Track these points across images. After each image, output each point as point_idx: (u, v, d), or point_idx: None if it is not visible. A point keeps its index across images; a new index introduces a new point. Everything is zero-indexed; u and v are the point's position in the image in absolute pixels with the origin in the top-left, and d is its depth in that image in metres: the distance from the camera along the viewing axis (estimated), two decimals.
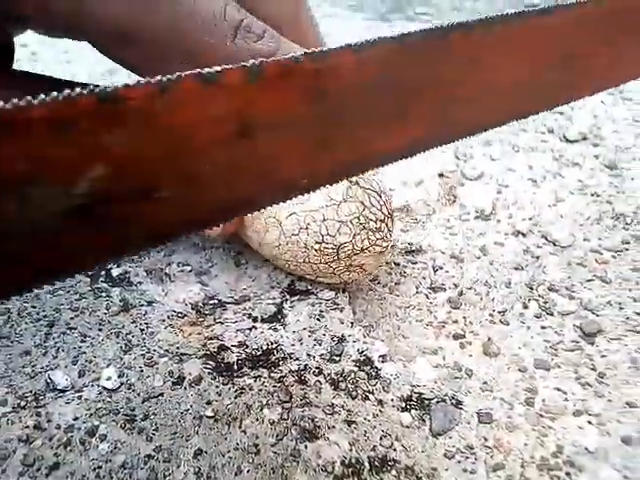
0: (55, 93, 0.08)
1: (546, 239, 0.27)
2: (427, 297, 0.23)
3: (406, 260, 0.25)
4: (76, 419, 0.17)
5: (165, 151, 0.10)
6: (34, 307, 0.22)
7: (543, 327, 0.22)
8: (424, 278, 0.24)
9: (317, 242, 0.20)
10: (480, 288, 0.24)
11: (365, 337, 0.21)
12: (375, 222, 0.20)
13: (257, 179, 0.12)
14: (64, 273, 0.10)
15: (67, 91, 0.08)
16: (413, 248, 0.26)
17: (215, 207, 0.12)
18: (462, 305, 0.23)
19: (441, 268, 0.25)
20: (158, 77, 0.09)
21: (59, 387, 0.18)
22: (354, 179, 0.21)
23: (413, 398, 0.19)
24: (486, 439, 0.18)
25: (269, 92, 0.11)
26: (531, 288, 0.24)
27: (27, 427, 0.17)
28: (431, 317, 0.22)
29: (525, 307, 0.23)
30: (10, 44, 0.17)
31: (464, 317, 0.22)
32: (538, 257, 0.26)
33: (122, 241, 0.11)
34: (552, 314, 0.23)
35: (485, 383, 0.20)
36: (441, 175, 0.33)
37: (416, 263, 0.25)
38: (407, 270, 0.25)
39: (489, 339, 0.21)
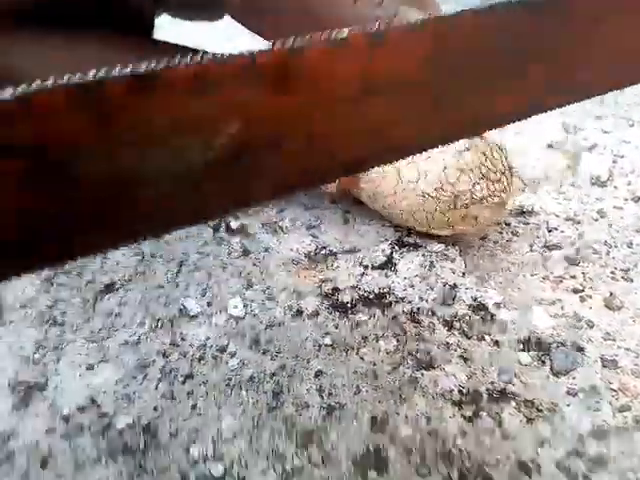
0: (202, 55, 0.09)
1: None
2: (542, 254, 0.23)
3: (517, 221, 0.25)
4: (208, 339, 0.19)
5: (295, 108, 0.11)
6: (164, 251, 0.24)
7: None
8: (538, 237, 0.24)
9: (435, 189, 0.20)
10: (600, 247, 0.23)
11: (478, 286, 0.21)
12: (495, 173, 0.20)
13: (374, 137, 0.12)
14: (202, 218, 0.11)
15: (212, 53, 0.09)
16: (524, 210, 0.26)
17: (336, 162, 0.12)
18: (581, 262, 0.22)
19: (556, 229, 0.24)
20: (289, 41, 0.10)
21: (191, 313, 0.20)
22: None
23: (532, 341, 0.18)
24: (611, 382, 0.17)
25: (390, 55, 0.11)
26: None
27: (164, 344, 0.19)
28: (547, 272, 0.22)
29: None
30: (152, 17, 0.19)
31: (583, 273, 0.22)
32: None
33: (254, 190, 0.11)
34: None
35: (608, 334, 0.19)
36: (550, 146, 0.32)
37: (528, 224, 0.25)
38: (519, 230, 0.24)
39: (611, 294, 0.21)
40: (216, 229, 0.25)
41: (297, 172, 0.12)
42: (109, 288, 0.22)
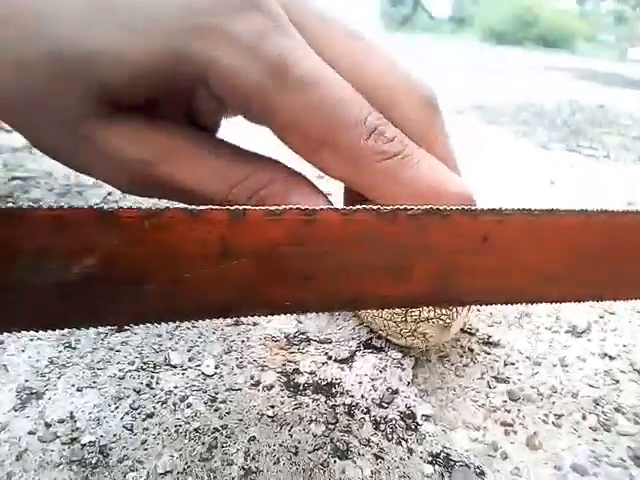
0: (64, 204, 0.12)
1: (633, 367, 0.27)
2: (488, 384, 0.25)
3: (481, 349, 0.28)
4: (176, 387, 0.23)
5: (153, 258, 0.12)
6: None
7: (595, 439, 0.23)
8: (492, 368, 0.26)
9: None
10: (545, 390, 0.25)
11: (416, 397, 0.24)
12: None
13: (240, 293, 0.13)
14: (62, 326, 0.13)
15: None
16: (491, 341, 0.28)
17: (199, 307, 0.13)
18: (520, 400, 0.24)
19: (512, 364, 0.27)
20: (150, 207, 0.12)
21: (172, 363, 0.24)
22: None
23: (441, 456, 0.21)
24: None
25: (251, 231, 0.13)
26: (597, 404, 0.25)
27: (141, 383, 0.23)
28: (486, 401, 0.24)
29: (583, 418, 0.24)
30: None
31: (518, 409, 0.24)
32: (617, 381, 0.26)
33: (111, 314, 0.13)
34: (609, 431, 0.23)
35: (517, 468, 0.21)
36: None
37: (489, 354, 0.27)
38: (479, 358, 0.27)
39: (535, 433, 0.23)
40: None
41: (155, 307, 0.13)
42: (121, 327, 0.26)
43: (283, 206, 0.13)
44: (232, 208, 0.13)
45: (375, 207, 0.14)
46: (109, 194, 0.41)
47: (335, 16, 0.23)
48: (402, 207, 0.14)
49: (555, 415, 0.24)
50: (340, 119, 0.20)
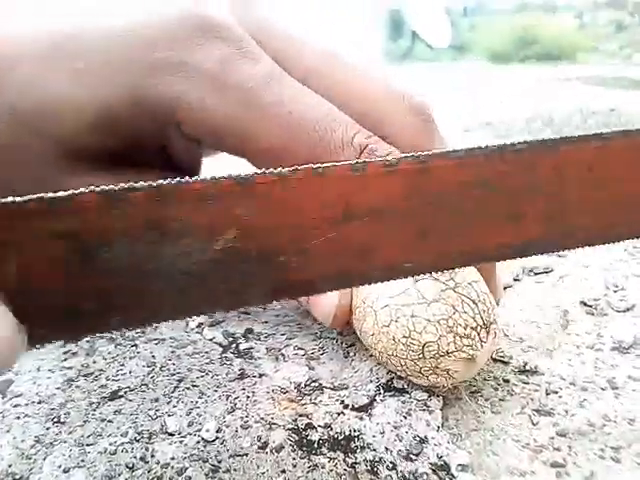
0: (205, 176, 0.12)
1: None
2: (530, 419, 0.22)
3: (517, 379, 0.25)
4: (173, 459, 0.20)
5: (285, 225, 0.13)
6: (174, 364, 0.26)
7: None
8: (532, 400, 0.23)
9: (404, 336, 0.21)
10: (596, 420, 0.22)
11: (449, 444, 0.20)
12: (465, 328, 0.21)
13: (360, 257, 0.14)
14: (201, 312, 0.13)
15: (214, 174, 0.12)
16: (528, 368, 0.25)
17: (324, 277, 0.14)
18: (569, 434, 0.21)
19: (555, 393, 0.24)
20: (279, 169, 0.12)
21: (169, 430, 0.21)
22: (453, 283, 0.21)
23: None
24: None
25: (370, 186, 0.13)
26: None
27: (135, 457, 0.20)
28: (530, 439, 0.21)
29: None
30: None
31: (569, 446, 0.21)
32: None
33: (248, 293, 0.13)
34: None
35: None
36: (583, 303, 0.31)
37: (528, 384, 0.24)
38: (516, 389, 0.24)
39: (592, 473, 0.19)
40: (225, 349, 0.27)
41: (289, 281, 0.13)
42: (114, 394, 0.24)
43: (396, 155, 0.13)
44: (352, 162, 0.13)
45: (482, 146, 0.14)
46: None
47: (308, 35, 0.21)
48: (508, 143, 0.14)
49: (612, 448, 0.20)
50: (325, 141, 0.18)
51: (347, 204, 0.13)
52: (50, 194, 0.11)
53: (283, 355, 0.26)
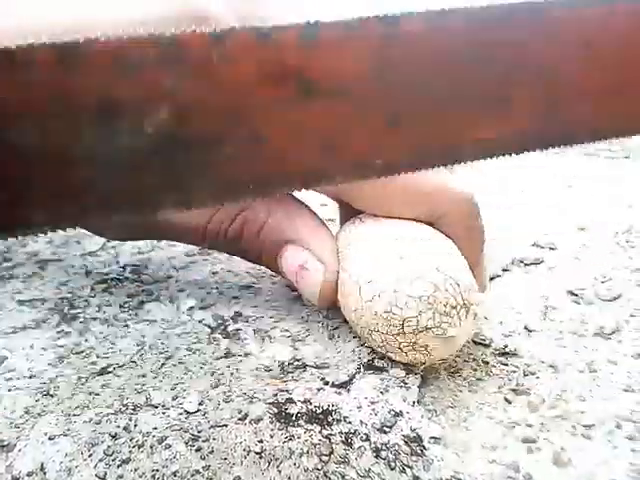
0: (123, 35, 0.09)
1: None
2: (506, 398, 0.22)
3: (497, 361, 0.25)
4: (155, 428, 0.21)
5: (226, 104, 0.10)
6: (163, 343, 0.27)
7: (633, 450, 0.19)
8: (510, 380, 0.24)
9: (386, 311, 0.21)
10: (570, 399, 0.22)
11: (423, 418, 0.21)
12: (445, 306, 0.21)
13: (323, 149, 0.11)
14: (137, 210, 0.11)
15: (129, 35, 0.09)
16: (508, 351, 0.25)
17: (282, 172, 0.11)
18: (543, 412, 0.22)
19: (533, 374, 0.24)
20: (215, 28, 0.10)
21: (152, 403, 0.22)
22: (435, 264, 0.22)
23: None
24: None
25: (327, 56, 0.11)
26: (633, 410, 0.21)
27: (118, 427, 0.21)
28: (504, 416, 0.21)
29: (618, 427, 0.21)
30: None
31: (541, 423, 0.21)
32: None
33: (194, 189, 0.11)
34: None
35: None
36: (570, 292, 0.31)
37: (506, 365, 0.25)
38: (494, 370, 0.24)
39: (562, 448, 0.20)
40: (214, 330, 0.28)
41: (237, 177, 0.11)
42: (103, 370, 0.25)
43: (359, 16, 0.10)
44: (302, 23, 0.10)
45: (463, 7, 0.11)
46: (108, 241, 0.41)
47: None
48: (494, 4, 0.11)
49: (584, 426, 0.21)
50: None
51: (298, 80, 0.10)
52: None
53: (269, 336, 0.27)
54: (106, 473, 0.19)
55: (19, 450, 0.20)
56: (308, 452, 0.19)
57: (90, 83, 0.09)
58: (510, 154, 0.13)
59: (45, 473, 0.19)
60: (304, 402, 0.22)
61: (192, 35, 0.10)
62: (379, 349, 0.23)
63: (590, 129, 0.13)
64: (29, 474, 0.19)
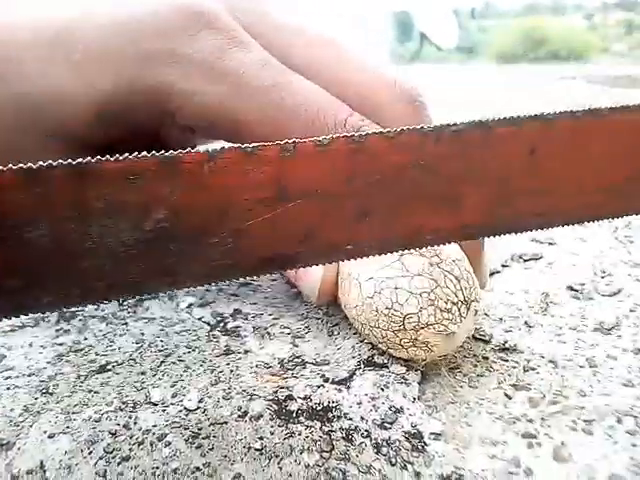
0: (127, 154, 0.11)
1: None
2: (506, 393, 0.22)
3: (497, 357, 0.25)
4: (155, 426, 0.21)
5: (213, 205, 0.12)
6: (162, 341, 0.27)
7: (634, 445, 0.19)
8: (510, 375, 0.24)
9: (387, 307, 0.21)
10: (571, 395, 0.22)
11: (423, 414, 0.21)
12: (446, 302, 0.21)
13: (298, 239, 0.13)
14: (139, 292, 0.13)
15: (135, 153, 0.11)
16: (508, 346, 0.25)
17: (261, 259, 0.13)
18: (544, 407, 0.22)
19: (533, 369, 0.24)
20: (207, 147, 0.12)
21: (152, 400, 0.22)
22: (437, 259, 0.22)
23: (453, 478, 0.18)
24: None
25: (303, 166, 0.13)
26: (634, 405, 0.21)
27: (118, 425, 0.21)
28: (504, 412, 0.21)
29: (618, 421, 0.21)
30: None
31: (542, 418, 0.21)
32: None
33: (179, 273, 0.13)
34: None
35: None
36: (570, 288, 0.31)
37: (507, 361, 0.25)
38: (495, 366, 0.24)
39: (563, 443, 0.20)
40: (213, 328, 0.28)
41: (222, 264, 0.13)
42: (102, 368, 0.25)
43: (329, 135, 0.13)
44: (282, 142, 0.12)
45: (418, 127, 0.13)
46: None
47: (303, 24, 0.22)
48: (445, 124, 0.13)
49: (585, 421, 0.21)
50: (317, 125, 0.19)
51: (279, 185, 0.13)
52: None
53: (269, 334, 0.27)
54: (106, 471, 0.19)
55: (18, 448, 0.20)
56: (309, 449, 0.19)
57: (101, 192, 0.11)
58: (460, 241, 0.16)
59: (45, 471, 0.19)
60: (304, 399, 0.22)
61: (188, 154, 0.12)
62: (380, 345, 0.23)
63: (525, 222, 0.16)
64: (29, 472, 0.19)
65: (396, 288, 0.21)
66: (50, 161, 0.11)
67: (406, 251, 0.22)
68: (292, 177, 0.13)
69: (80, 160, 0.11)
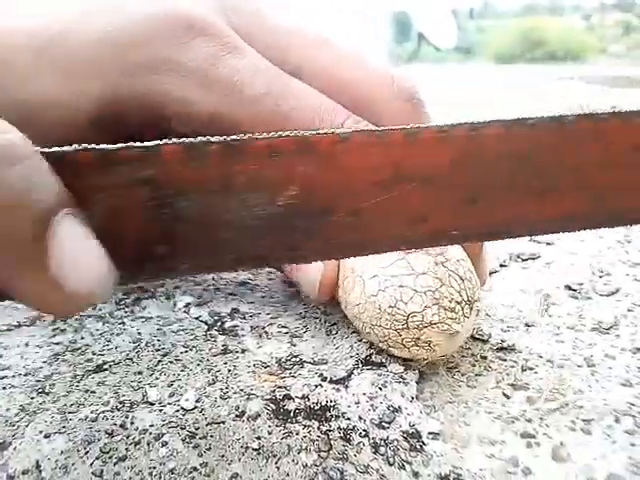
0: (273, 133, 0.12)
1: None
2: (505, 393, 0.22)
3: (495, 356, 0.25)
4: (151, 426, 0.20)
5: (338, 184, 0.13)
6: (159, 340, 0.26)
7: (632, 444, 0.19)
8: (508, 375, 0.23)
9: (390, 306, 0.21)
10: (569, 394, 0.22)
11: (422, 413, 0.21)
12: (450, 302, 0.21)
13: (409, 222, 0.14)
14: (263, 263, 0.14)
15: (279, 132, 0.12)
16: (506, 346, 0.25)
17: (373, 239, 0.14)
18: (542, 406, 0.21)
19: (531, 369, 0.24)
20: (340, 130, 0.13)
21: (149, 400, 0.22)
22: (442, 258, 0.22)
23: (451, 477, 0.18)
24: None
25: (423, 150, 0.13)
26: (632, 404, 0.21)
27: (115, 424, 0.21)
28: (503, 411, 0.21)
29: (617, 421, 0.21)
30: None
31: (540, 418, 0.21)
32: None
33: (307, 249, 0.14)
34: None
35: None
36: (568, 287, 0.31)
37: (505, 360, 0.25)
38: (493, 365, 0.24)
39: (561, 443, 0.20)
40: (210, 327, 0.27)
41: (342, 240, 0.14)
42: (99, 368, 0.25)
43: (450, 122, 0.13)
44: (407, 127, 0.13)
45: (534, 117, 0.14)
46: None
47: (299, 24, 0.22)
48: (555, 115, 0.14)
49: (584, 421, 0.21)
50: (313, 129, 0.18)
51: (397, 169, 0.13)
52: (138, 143, 0.12)
53: (267, 333, 0.27)
54: (102, 471, 0.19)
55: (14, 448, 0.20)
56: (306, 448, 0.19)
57: (246, 167, 0.12)
58: (563, 232, 0.16)
59: (41, 471, 0.19)
60: (302, 398, 0.22)
61: (322, 134, 0.13)
62: (380, 345, 0.23)
63: (627, 217, 0.16)
64: (24, 472, 0.19)
65: (401, 286, 0.21)
66: (208, 137, 0.12)
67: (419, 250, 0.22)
68: (411, 161, 0.13)
69: (232, 137, 0.12)
